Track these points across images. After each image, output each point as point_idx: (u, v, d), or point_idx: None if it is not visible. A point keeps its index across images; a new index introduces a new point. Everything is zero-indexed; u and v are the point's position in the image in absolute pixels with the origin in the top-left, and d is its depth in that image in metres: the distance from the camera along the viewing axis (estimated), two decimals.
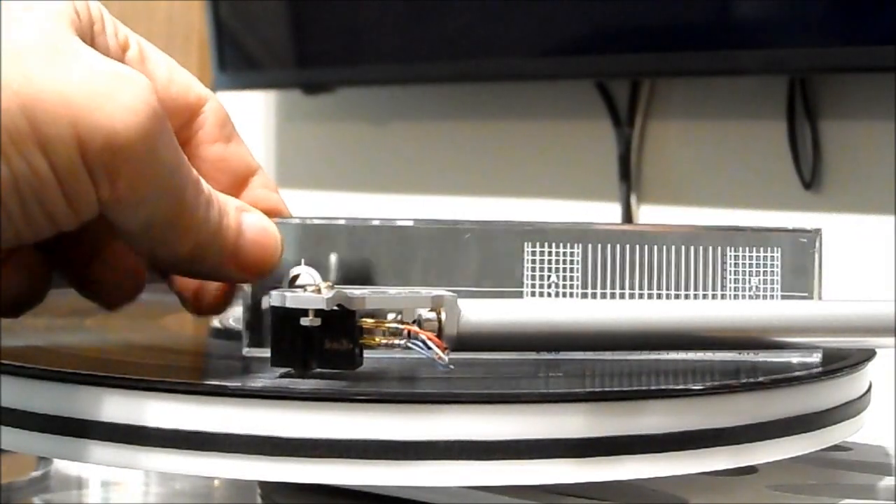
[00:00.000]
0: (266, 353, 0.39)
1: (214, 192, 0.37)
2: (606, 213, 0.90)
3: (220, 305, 0.41)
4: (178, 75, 0.40)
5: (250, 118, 1.14)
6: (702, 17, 0.80)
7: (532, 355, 0.41)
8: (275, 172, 1.13)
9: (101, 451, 0.36)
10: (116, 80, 0.34)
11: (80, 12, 0.36)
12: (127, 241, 0.37)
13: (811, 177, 0.82)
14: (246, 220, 0.38)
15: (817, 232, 0.43)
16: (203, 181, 0.37)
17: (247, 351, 0.40)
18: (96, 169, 0.34)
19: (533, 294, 0.41)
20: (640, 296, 0.42)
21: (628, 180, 0.90)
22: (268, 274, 0.39)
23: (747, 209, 0.85)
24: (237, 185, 0.41)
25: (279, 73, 1.06)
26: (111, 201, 0.34)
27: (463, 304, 0.38)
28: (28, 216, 0.34)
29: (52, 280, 0.39)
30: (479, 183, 0.99)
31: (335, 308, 0.36)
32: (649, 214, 0.90)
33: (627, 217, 0.89)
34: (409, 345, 0.37)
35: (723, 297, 0.42)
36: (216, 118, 0.41)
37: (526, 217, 0.94)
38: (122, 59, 0.38)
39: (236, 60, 1.06)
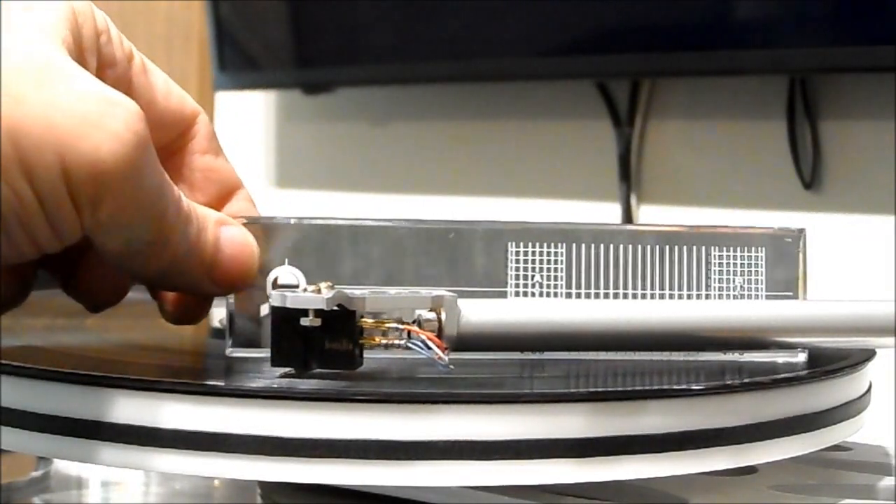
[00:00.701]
0: (249, 353, 0.39)
1: (194, 207, 0.38)
2: (606, 213, 0.90)
3: (197, 315, 0.41)
4: (174, 87, 0.41)
5: (250, 118, 1.14)
6: (702, 17, 0.80)
7: (533, 356, 0.41)
8: (275, 172, 1.13)
9: (101, 451, 0.36)
10: (105, 106, 0.34)
11: (82, 24, 0.36)
12: (105, 258, 0.37)
13: (811, 177, 0.82)
14: (224, 234, 0.38)
15: (801, 232, 0.43)
16: (184, 197, 0.37)
17: (230, 351, 0.40)
18: (80, 197, 0.33)
19: (517, 294, 0.41)
20: (624, 295, 0.42)
21: (628, 180, 0.90)
22: (243, 288, 0.39)
23: (747, 209, 0.85)
24: (223, 196, 0.42)
25: (279, 73, 1.06)
26: (94, 226, 0.34)
27: (463, 304, 0.38)
28: (11, 240, 0.34)
29: (36, 279, 0.39)
30: (479, 183, 0.99)
31: (335, 308, 0.36)
32: (649, 214, 0.90)
33: (627, 217, 0.89)
34: (409, 345, 0.37)
35: (707, 296, 0.42)
36: (207, 130, 0.42)
37: (526, 217, 0.94)
38: (128, 70, 0.39)
39: (236, 60, 1.06)
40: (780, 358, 0.42)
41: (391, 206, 1.03)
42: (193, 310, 0.41)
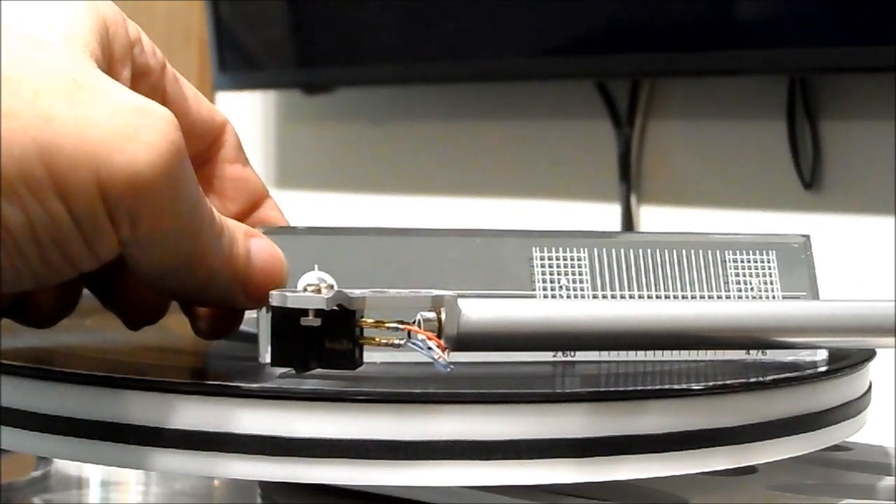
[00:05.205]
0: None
1: (224, 219, 0.37)
2: (606, 213, 0.90)
3: (229, 329, 0.40)
4: (202, 96, 0.40)
5: (250, 118, 1.14)
6: (702, 17, 0.80)
7: (533, 355, 0.41)
8: (275, 172, 1.13)
9: (101, 450, 0.36)
10: (139, 116, 0.32)
11: (114, 35, 0.35)
12: (139, 275, 0.36)
13: (811, 177, 0.82)
14: (254, 245, 0.37)
15: (807, 237, 0.44)
16: (215, 210, 0.36)
17: (264, 357, 0.40)
18: (117, 212, 0.32)
19: (545, 297, 0.42)
20: (648, 297, 0.42)
21: (628, 180, 0.90)
22: None
23: (747, 209, 0.85)
24: (253, 205, 0.42)
25: (279, 73, 1.06)
26: (132, 242, 0.33)
27: (463, 303, 0.38)
28: (46, 261, 0.33)
29: (81, 293, 0.39)
30: (479, 183, 0.99)
31: (335, 308, 0.36)
32: (649, 214, 0.90)
33: (627, 217, 0.89)
34: (409, 345, 0.37)
35: (727, 297, 0.43)
36: (234, 140, 0.42)
37: (525, 217, 0.94)
38: (162, 79, 0.38)
39: (236, 60, 1.06)
40: (802, 356, 0.42)
41: (391, 207, 1.03)
42: (225, 324, 0.40)
